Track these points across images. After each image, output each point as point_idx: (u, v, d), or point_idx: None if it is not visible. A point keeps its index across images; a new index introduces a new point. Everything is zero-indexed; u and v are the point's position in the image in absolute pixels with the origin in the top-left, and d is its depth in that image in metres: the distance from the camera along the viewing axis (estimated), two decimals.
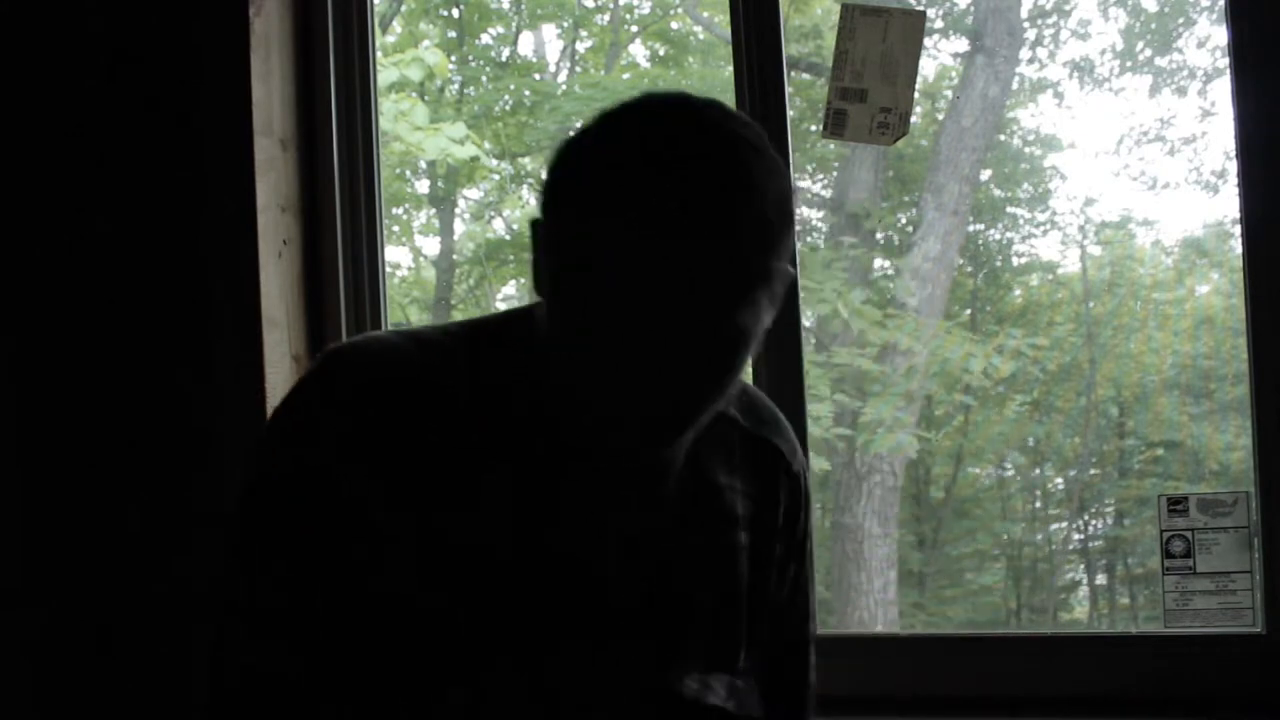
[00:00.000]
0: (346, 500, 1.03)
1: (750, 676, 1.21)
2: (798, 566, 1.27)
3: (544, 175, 1.06)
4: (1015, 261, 5.56)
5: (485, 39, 6.05)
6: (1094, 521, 5.39)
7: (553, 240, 1.03)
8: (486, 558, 1.05)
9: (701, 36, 5.84)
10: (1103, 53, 5.13)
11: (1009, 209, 5.49)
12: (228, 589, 1.07)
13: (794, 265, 1.11)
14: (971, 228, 5.39)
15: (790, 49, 4.76)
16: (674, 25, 5.91)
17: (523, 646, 1.06)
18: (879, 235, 5.49)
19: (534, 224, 1.06)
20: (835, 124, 1.90)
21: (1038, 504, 5.49)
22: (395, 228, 5.88)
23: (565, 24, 5.96)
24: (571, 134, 1.05)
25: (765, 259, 1.00)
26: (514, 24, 6.04)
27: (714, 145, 1.00)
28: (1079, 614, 5.34)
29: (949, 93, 5.31)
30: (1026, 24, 5.19)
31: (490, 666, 1.05)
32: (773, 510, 1.22)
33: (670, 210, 0.96)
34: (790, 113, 1.89)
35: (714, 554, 1.17)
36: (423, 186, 5.98)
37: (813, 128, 5.13)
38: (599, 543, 1.10)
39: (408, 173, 5.77)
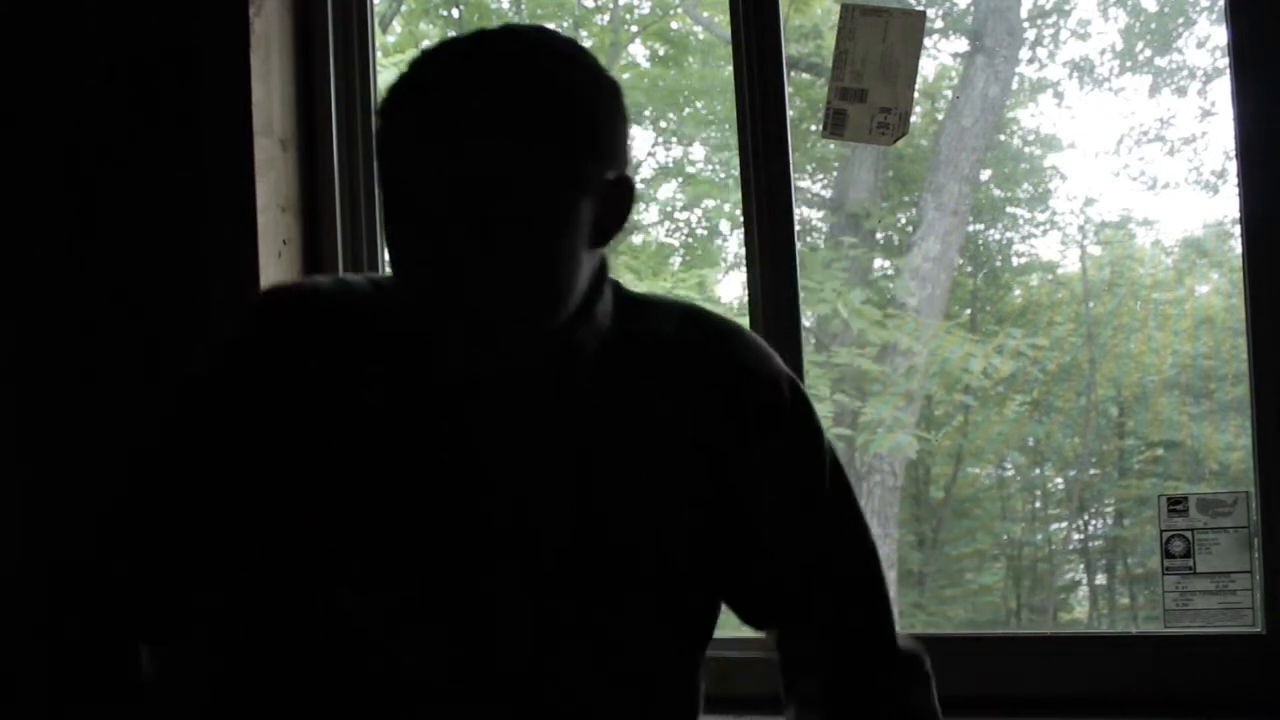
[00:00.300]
0: (246, 408, 1.12)
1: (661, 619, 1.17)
2: (798, 490, 1.20)
3: None
4: (1015, 261, 5.55)
5: None
6: (1094, 521, 5.38)
7: None
8: (365, 474, 1.10)
9: (701, 36, 5.83)
10: (1103, 53, 5.12)
11: (1009, 209, 5.48)
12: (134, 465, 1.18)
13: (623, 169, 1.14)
14: (971, 228, 5.39)
15: (790, 49, 4.76)
16: (674, 25, 5.91)
17: (407, 559, 1.10)
18: (879, 235, 5.48)
19: None
20: (835, 124, 1.90)
21: (1038, 504, 5.48)
22: None
23: (565, 24, 5.95)
24: None
25: (517, 139, 1.03)
26: None
27: (482, 43, 1.07)
28: (1079, 614, 5.33)
29: (949, 93, 5.31)
30: (1026, 24, 5.19)
31: (376, 577, 1.10)
32: (725, 424, 1.16)
33: (413, 92, 1.05)
34: (790, 113, 1.89)
35: (630, 477, 1.14)
36: None
37: (813, 128, 5.12)
38: (493, 462, 1.12)
39: None
